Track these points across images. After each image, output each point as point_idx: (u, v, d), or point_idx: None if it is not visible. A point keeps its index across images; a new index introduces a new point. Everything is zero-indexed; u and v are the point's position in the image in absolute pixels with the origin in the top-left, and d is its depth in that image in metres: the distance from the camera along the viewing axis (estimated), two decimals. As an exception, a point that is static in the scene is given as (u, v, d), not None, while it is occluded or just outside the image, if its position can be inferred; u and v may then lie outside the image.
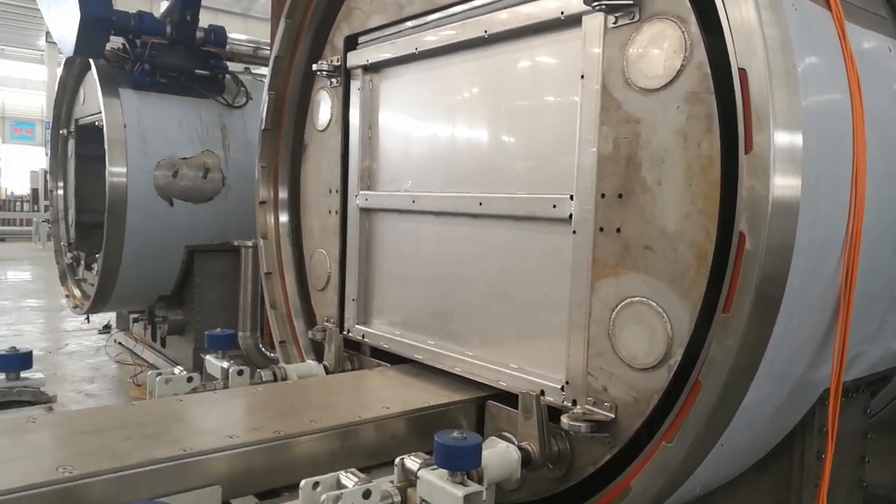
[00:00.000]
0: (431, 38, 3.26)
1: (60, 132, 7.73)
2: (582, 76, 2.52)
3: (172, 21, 6.42)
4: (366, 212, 3.76)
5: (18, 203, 28.70)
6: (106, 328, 9.46)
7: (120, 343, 8.71)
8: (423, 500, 2.10)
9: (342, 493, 1.97)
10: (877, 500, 3.75)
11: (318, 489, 2.02)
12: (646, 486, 2.30)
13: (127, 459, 2.14)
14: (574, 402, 2.56)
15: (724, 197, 2.14)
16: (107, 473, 2.06)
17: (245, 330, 5.74)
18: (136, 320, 7.75)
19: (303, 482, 2.02)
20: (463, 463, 2.07)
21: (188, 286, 6.89)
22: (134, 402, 3.43)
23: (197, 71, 6.63)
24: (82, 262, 7.42)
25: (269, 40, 6.03)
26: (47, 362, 8.10)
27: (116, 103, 6.23)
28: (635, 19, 2.35)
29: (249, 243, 5.46)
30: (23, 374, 2.93)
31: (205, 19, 6.80)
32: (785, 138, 2.00)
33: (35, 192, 26.99)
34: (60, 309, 10.48)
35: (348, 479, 2.07)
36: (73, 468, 2.05)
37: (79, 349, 8.79)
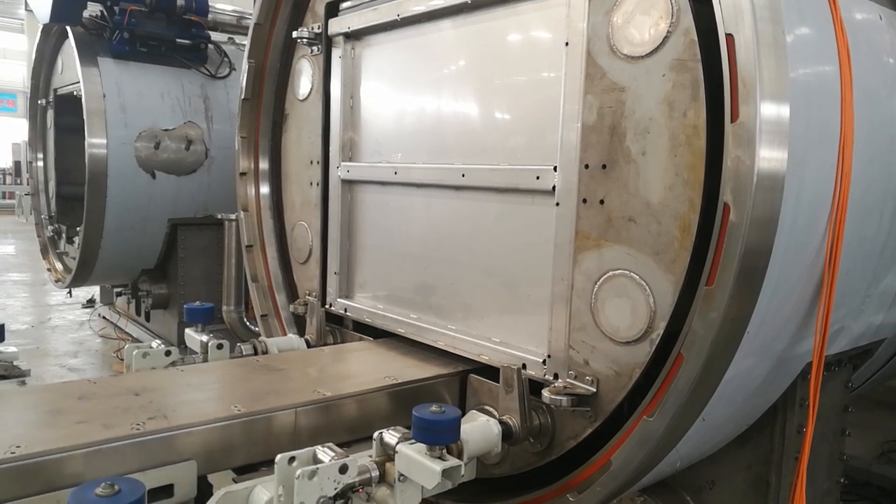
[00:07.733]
0: (413, 5, 3.17)
1: (39, 102, 7.58)
2: (566, 43, 2.46)
3: (151, -13, 6.26)
4: (347, 183, 3.69)
5: (1, 176, 28.31)
6: (90, 302, 9.40)
7: (104, 317, 8.66)
8: (401, 475, 2.08)
9: (318, 468, 1.94)
10: (856, 473, 3.79)
11: (294, 464, 1.99)
12: (626, 460, 2.29)
13: (99, 434, 2.10)
14: (556, 376, 2.54)
15: (710, 168, 2.09)
16: (78, 448, 2.02)
17: (229, 304, 5.68)
18: (119, 294, 7.69)
19: (278, 457, 1.99)
20: (441, 437, 2.05)
21: (172, 260, 6.83)
22: (109, 376, 3.39)
23: (178, 40, 6.49)
24: (63, 236, 7.32)
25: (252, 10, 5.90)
26: (30, 336, 8.04)
27: (95, 72, 6.09)
28: (621, -16, 2.27)
29: (233, 216, 5.36)
30: (-4, 348, 2.88)
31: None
32: (772, 109, 1.95)
33: (17, 164, 26.65)
34: (44, 283, 10.37)
35: (325, 453, 2.03)
36: (44, 443, 2.01)
37: (62, 323, 8.71)
